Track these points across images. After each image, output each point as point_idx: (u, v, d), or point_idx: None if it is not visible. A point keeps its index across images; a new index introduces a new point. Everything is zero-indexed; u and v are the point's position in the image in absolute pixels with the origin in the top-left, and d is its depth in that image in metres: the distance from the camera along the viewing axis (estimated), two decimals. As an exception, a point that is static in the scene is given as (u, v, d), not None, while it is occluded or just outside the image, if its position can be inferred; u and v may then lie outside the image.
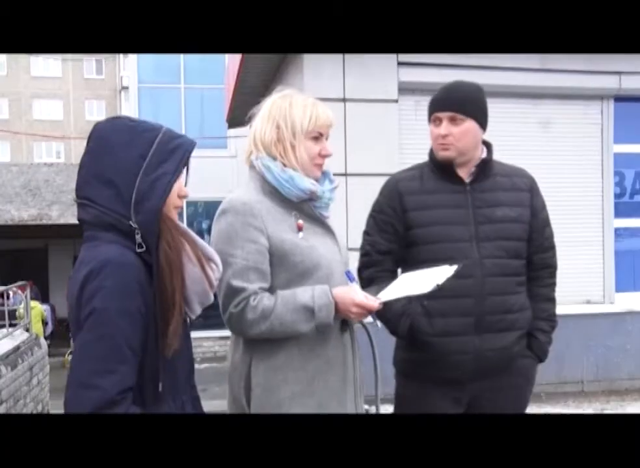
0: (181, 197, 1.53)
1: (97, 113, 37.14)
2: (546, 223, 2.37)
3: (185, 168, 1.55)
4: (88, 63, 37.19)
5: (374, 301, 1.80)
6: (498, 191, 2.27)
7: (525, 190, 2.32)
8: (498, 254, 2.18)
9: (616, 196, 6.03)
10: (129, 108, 16.51)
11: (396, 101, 5.40)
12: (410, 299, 2.13)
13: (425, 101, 2.23)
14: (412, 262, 2.20)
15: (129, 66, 16.79)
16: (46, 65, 36.51)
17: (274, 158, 1.90)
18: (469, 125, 2.20)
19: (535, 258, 2.33)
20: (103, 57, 35.95)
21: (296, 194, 1.88)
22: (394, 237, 2.28)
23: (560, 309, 2.40)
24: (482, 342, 2.18)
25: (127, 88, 22.47)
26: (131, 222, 1.42)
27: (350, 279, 1.84)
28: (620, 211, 6.03)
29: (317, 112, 1.92)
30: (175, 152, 1.49)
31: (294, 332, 1.81)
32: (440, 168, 2.27)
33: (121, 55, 32.25)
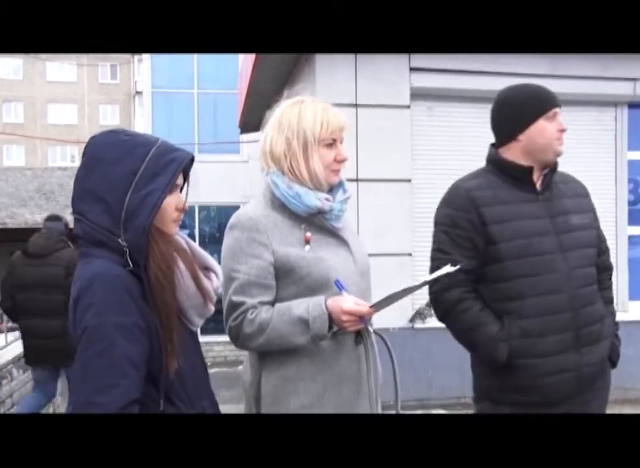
0: (179, 210, 1.51)
1: (111, 117, 37.45)
2: (599, 225, 2.33)
3: (185, 180, 1.53)
4: (102, 68, 37.50)
5: (364, 306, 1.76)
6: (564, 199, 2.20)
7: (584, 195, 2.30)
8: (582, 263, 2.11)
9: (630, 203, 5.99)
10: (143, 113, 16.61)
11: (408, 106, 5.33)
12: (502, 325, 2.05)
13: (437, 107, 2.16)
14: (493, 280, 2.08)
15: (143, 71, 16.90)
16: (61, 70, 36.85)
17: (283, 173, 1.89)
18: None
19: (598, 261, 2.25)
20: (118, 62, 36.23)
21: (304, 209, 1.87)
22: (474, 253, 2.08)
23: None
24: (582, 357, 2.09)
25: (141, 92, 22.61)
26: (120, 240, 1.40)
27: (340, 287, 1.80)
28: (634, 219, 5.99)
29: (328, 117, 1.88)
30: (168, 166, 1.45)
31: (291, 344, 1.79)
32: (514, 176, 2.15)
33: (135, 60, 32.48)
